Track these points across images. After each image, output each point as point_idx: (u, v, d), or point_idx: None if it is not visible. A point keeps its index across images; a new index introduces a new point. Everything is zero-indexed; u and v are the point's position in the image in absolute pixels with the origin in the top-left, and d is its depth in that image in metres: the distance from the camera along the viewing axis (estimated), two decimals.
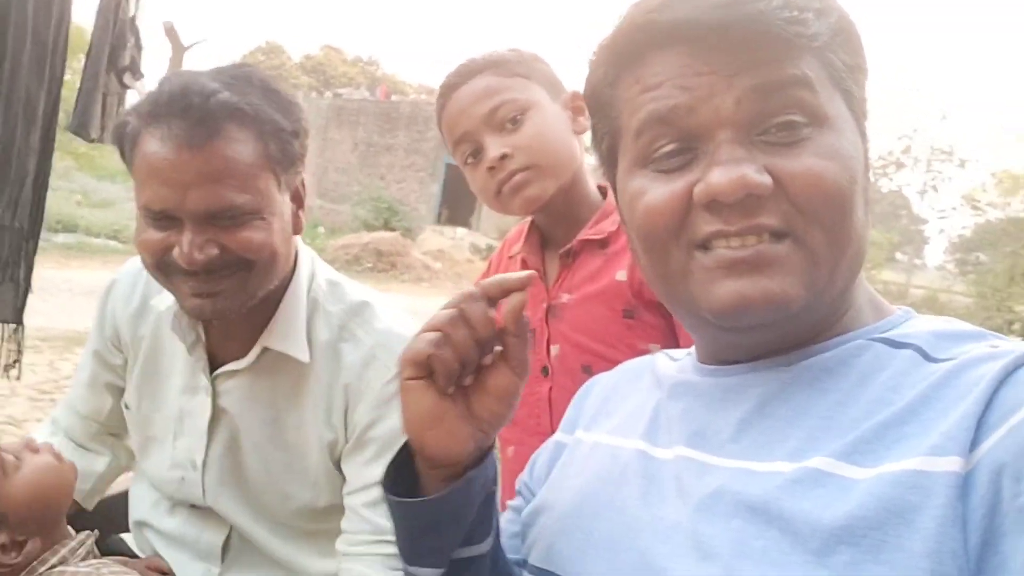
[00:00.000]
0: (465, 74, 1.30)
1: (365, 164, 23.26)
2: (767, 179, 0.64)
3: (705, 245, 0.67)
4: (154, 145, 1.03)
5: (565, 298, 1.33)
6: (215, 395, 1.23)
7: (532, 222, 1.43)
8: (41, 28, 2.41)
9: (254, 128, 1.06)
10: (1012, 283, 22.55)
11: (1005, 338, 0.66)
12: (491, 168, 1.27)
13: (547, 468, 0.91)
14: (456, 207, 21.51)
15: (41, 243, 2.76)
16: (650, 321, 1.25)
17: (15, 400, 4.64)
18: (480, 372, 0.72)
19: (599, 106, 0.77)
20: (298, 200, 1.17)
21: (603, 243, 1.31)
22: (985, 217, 30.21)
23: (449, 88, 1.32)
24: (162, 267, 1.08)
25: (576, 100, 1.33)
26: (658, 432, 0.78)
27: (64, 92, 2.67)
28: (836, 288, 0.69)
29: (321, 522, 1.24)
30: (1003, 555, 0.52)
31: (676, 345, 1.19)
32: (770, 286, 0.65)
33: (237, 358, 1.21)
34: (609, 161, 0.79)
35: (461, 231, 20.30)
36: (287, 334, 1.18)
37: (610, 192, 1.28)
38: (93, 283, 7.76)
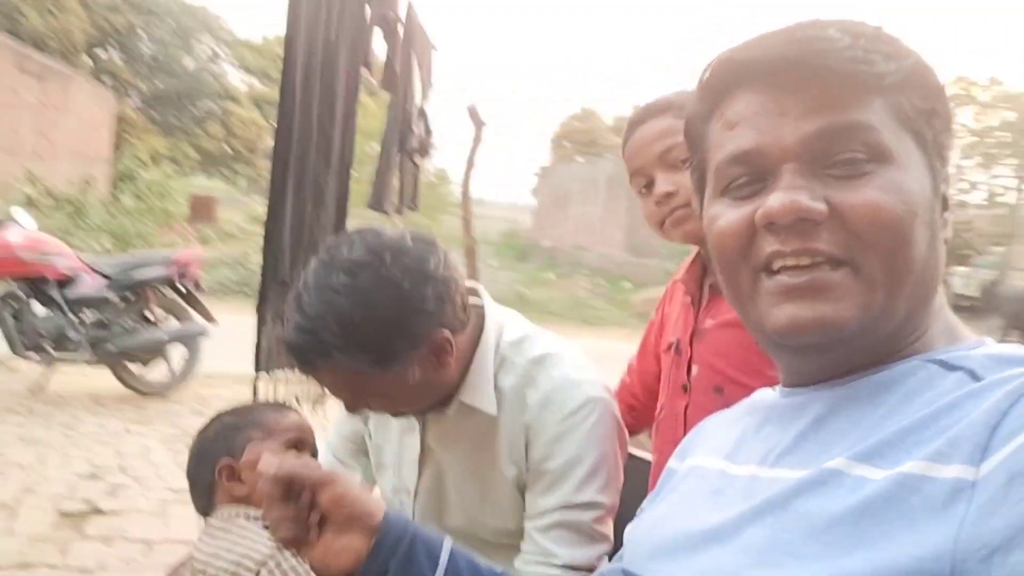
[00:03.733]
0: (649, 113, 1.44)
1: None
2: (820, 205, 0.69)
3: (768, 268, 0.73)
4: None
5: (708, 323, 1.45)
6: (423, 433, 1.46)
7: (697, 251, 1.55)
8: (326, 123, 2.90)
9: (343, 357, 1.17)
10: None
11: None
12: (658, 202, 1.42)
13: (657, 491, 0.99)
14: None
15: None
16: None
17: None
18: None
19: (693, 140, 0.85)
20: (439, 354, 1.26)
21: None
22: None
23: (633, 124, 1.46)
24: None
25: None
26: (739, 452, 0.84)
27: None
28: (897, 313, 0.72)
29: (514, 540, 1.40)
30: (990, 548, 0.54)
31: None
32: (824, 310, 0.70)
33: (445, 406, 1.41)
34: (699, 190, 0.86)
35: None
36: (477, 390, 1.36)
37: None
38: None
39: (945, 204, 0.76)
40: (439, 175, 26.55)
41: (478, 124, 6.50)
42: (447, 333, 1.25)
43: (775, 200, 0.70)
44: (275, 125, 2.88)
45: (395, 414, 1.37)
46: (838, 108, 0.70)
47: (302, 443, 1.45)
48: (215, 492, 1.40)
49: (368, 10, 3.17)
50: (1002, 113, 24.32)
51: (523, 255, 23.24)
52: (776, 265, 0.72)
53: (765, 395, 0.92)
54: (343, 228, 3.05)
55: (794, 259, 0.71)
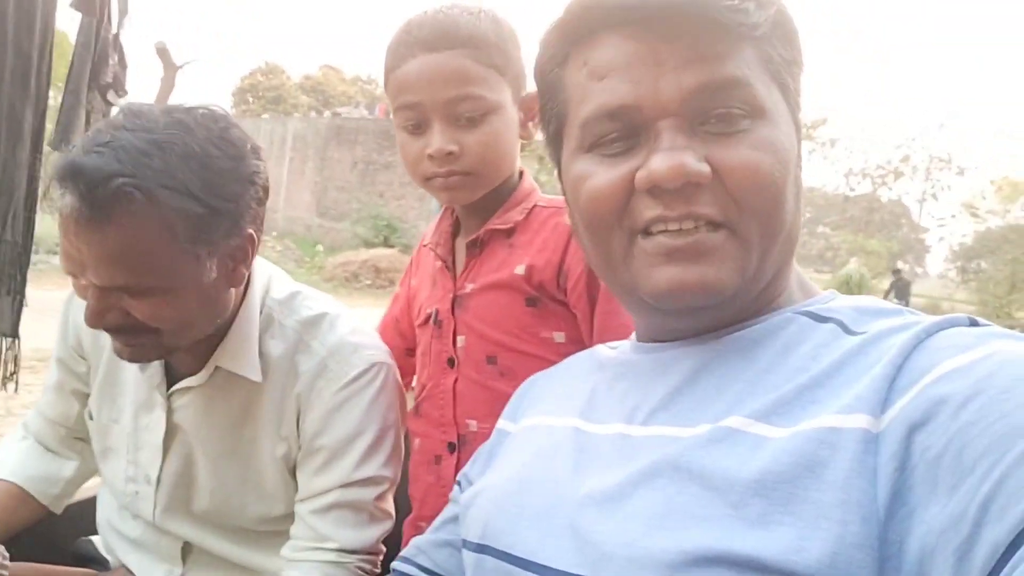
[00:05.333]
0: (441, 39, 1.19)
1: (364, 182, 23.33)
2: (705, 167, 0.67)
3: (646, 231, 0.70)
4: (63, 212, 1.01)
5: (469, 288, 1.30)
6: (170, 411, 1.23)
7: (447, 209, 1.41)
8: (23, 41, 2.41)
9: (152, 213, 0.99)
10: (1013, 290, 22.56)
11: (921, 314, 0.69)
12: (434, 156, 1.21)
13: (488, 456, 0.93)
14: None
15: (40, 264, 2.87)
16: (554, 309, 1.23)
17: (10, 420, 4.63)
18: None
19: (547, 87, 0.79)
20: (236, 259, 1.12)
21: (509, 232, 1.27)
22: (985, 225, 30.49)
23: (417, 45, 1.20)
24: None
25: (533, 104, 1.25)
26: (594, 410, 0.80)
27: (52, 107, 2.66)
28: (767, 272, 0.72)
29: (279, 525, 1.25)
30: (911, 506, 0.54)
31: (579, 333, 1.21)
32: (707, 273, 0.69)
33: (192, 374, 1.21)
34: (555, 143, 0.81)
35: None
36: (238, 354, 1.19)
37: (525, 178, 1.32)
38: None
39: (799, 155, 0.76)
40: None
41: (169, 66, 5.87)
42: (253, 234, 1.11)
43: (661, 162, 0.67)
44: None
45: (133, 346, 1.09)
46: (716, 60, 0.68)
47: None
48: None
49: None
50: None
51: None
52: (656, 228, 0.70)
53: (609, 351, 0.90)
54: (37, 172, 2.59)
55: (677, 224, 0.69)
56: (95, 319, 1.03)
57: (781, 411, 0.63)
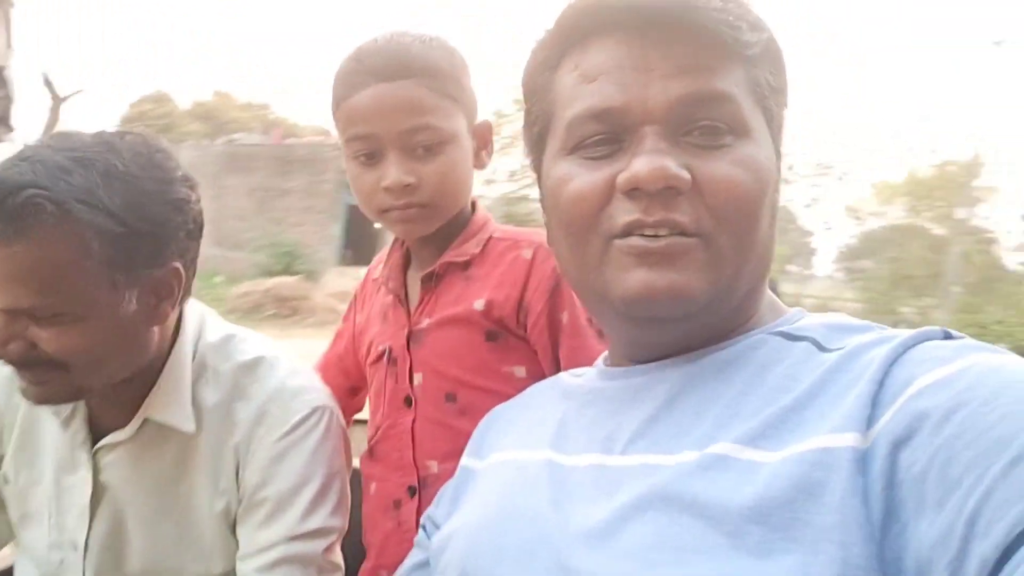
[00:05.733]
0: (395, 69, 1.16)
1: (262, 209, 22.80)
2: (686, 174, 0.68)
3: (623, 235, 0.71)
4: None
5: (426, 323, 1.26)
6: (96, 470, 1.16)
7: (397, 241, 1.36)
8: None
9: (70, 231, 0.95)
10: (895, 287, 23.78)
11: (888, 328, 0.71)
12: (390, 189, 1.19)
13: (454, 495, 0.91)
14: (359, 247, 21.24)
15: None
16: (514, 344, 1.22)
17: None
18: None
19: (535, 90, 0.80)
20: (161, 291, 1.07)
21: (465, 265, 1.26)
22: (867, 226, 31.88)
23: (370, 74, 1.16)
24: None
25: (486, 132, 1.29)
26: (566, 441, 0.79)
27: None
28: (740, 290, 0.73)
29: None
30: (903, 522, 0.54)
31: (540, 368, 1.20)
32: (677, 279, 0.69)
33: (119, 427, 1.15)
34: (538, 147, 0.82)
35: (365, 271, 19.97)
36: (169, 404, 1.13)
37: (478, 208, 1.30)
38: None
39: (778, 179, 0.78)
40: None
41: (55, 98, 5.97)
42: (181, 269, 1.07)
43: (643, 164, 0.68)
44: None
45: (40, 385, 1.02)
46: (705, 72, 0.69)
47: None
48: None
49: None
50: None
51: None
52: (633, 232, 0.70)
53: (574, 379, 0.89)
54: None
55: (653, 229, 0.69)
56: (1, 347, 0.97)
57: (769, 434, 0.63)
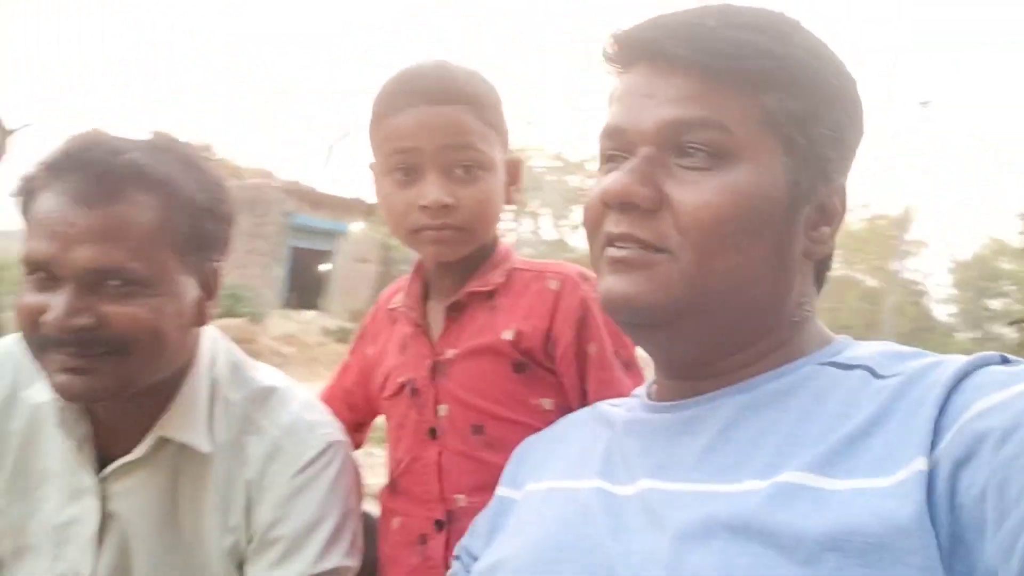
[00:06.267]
0: (443, 93, 1.18)
1: None
2: (647, 191, 0.74)
3: (605, 244, 0.78)
4: (49, 199, 0.98)
5: (451, 353, 1.24)
6: (105, 498, 1.08)
7: (418, 269, 1.34)
8: None
9: (162, 195, 1.01)
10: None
11: (939, 355, 0.72)
12: (427, 208, 1.17)
13: (492, 525, 0.90)
14: (304, 290, 20.90)
15: None
16: (541, 376, 1.20)
17: None
18: None
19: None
20: (208, 289, 1.08)
21: (490, 294, 1.24)
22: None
23: (417, 95, 1.17)
24: (35, 336, 0.96)
25: (517, 168, 1.28)
26: (615, 469, 0.80)
27: None
28: (733, 308, 0.76)
29: None
30: (968, 544, 0.56)
31: (568, 399, 1.19)
32: (629, 288, 0.75)
33: (128, 453, 1.07)
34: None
35: (310, 314, 19.64)
36: (186, 422, 1.08)
37: (501, 240, 1.30)
38: None
39: (825, 215, 0.78)
40: None
41: (2, 131, 6.06)
42: (219, 271, 1.11)
43: (610, 181, 0.76)
44: None
45: (90, 373, 0.97)
46: (695, 100, 0.74)
47: None
48: None
49: None
50: None
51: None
52: (612, 243, 0.77)
53: (613, 409, 0.91)
54: None
55: (620, 241, 0.76)
56: (67, 317, 0.95)
57: (835, 461, 0.65)
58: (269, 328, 18.22)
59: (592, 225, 0.80)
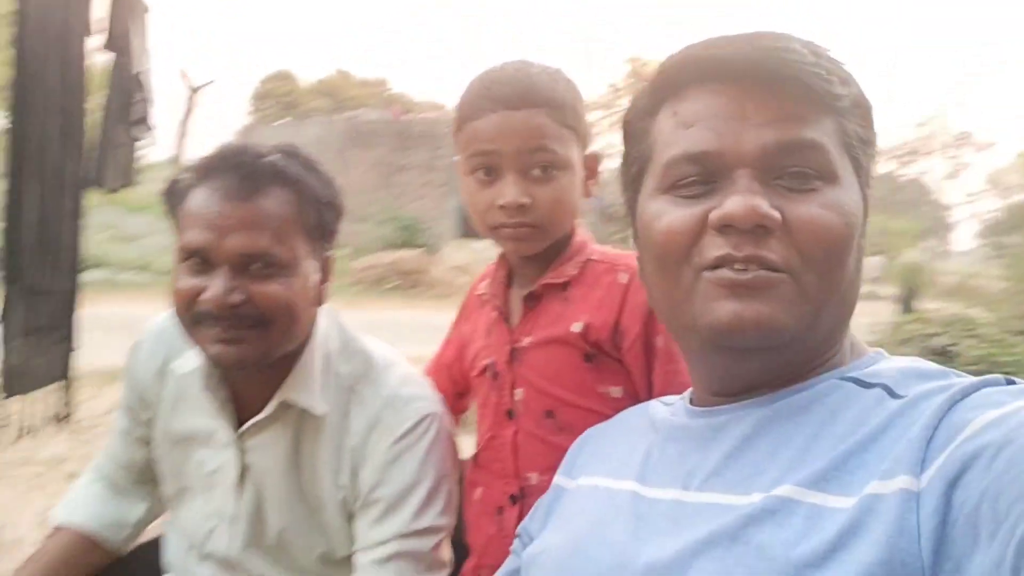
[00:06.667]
0: (521, 98, 1.22)
1: (383, 183, 23.22)
2: (776, 214, 0.71)
3: (713, 268, 0.74)
4: (202, 196, 1.14)
5: (527, 341, 1.31)
6: (242, 451, 1.27)
7: (502, 258, 1.41)
8: (68, 102, 2.57)
9: (295, 191, 1.17)
10: None
11: (965, 375, 0.71)
12: (505, 207, 1.23)
13: (547, 511, 0.96)
14: None
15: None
16: (610, 365, 1.25)
17: (58, 438, 4.36)
18: None
19: (635, 133, 0.85)
20: (325, 274, 1.25)
21: (564, 286, 1.29)
22: (1013, 199, 30.34)
23: (498, 101, 1.23)
24: (192, 313, 1.13)
25: (595, 163, 1.32)
26: (650, 473, 0.82)
27: None
28: (823, 328, 0.76)
29: (338, 570, 1.29)
30: (955, 559, 0.57)
31: (636, 389, 1.22)
32: (763, 310, 0.71)
33: (258, 414, 1.25)
34: (634, 186, 0.85)
35: (482, 244, 19.11)
36: (303, 387, 1.23)
37: (579, 232, 1.34)
38: (122, 319, 7.70)
39: (864, 224, 0.79)
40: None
41: (191, 89, 5.51)
42: (333, 258, 1.28)
43: (737, 203, 0.71)
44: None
45: (239, 343, 1.13)
46: (797, 122, 0.73)
47: None
48: None
49: None
50: None
51: None
52: (722, 265, 0.73)
53: (662, 411, 0.92)
54: (81, 218, 2.81)
55: (743, 264, 0.72)
56: (224, 295, 1.10)
57: (831, 477, 0.66)
58: (443, 258, 19.05)
59: (680, 250, 0.76)
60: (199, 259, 1.13)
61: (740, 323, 0.72)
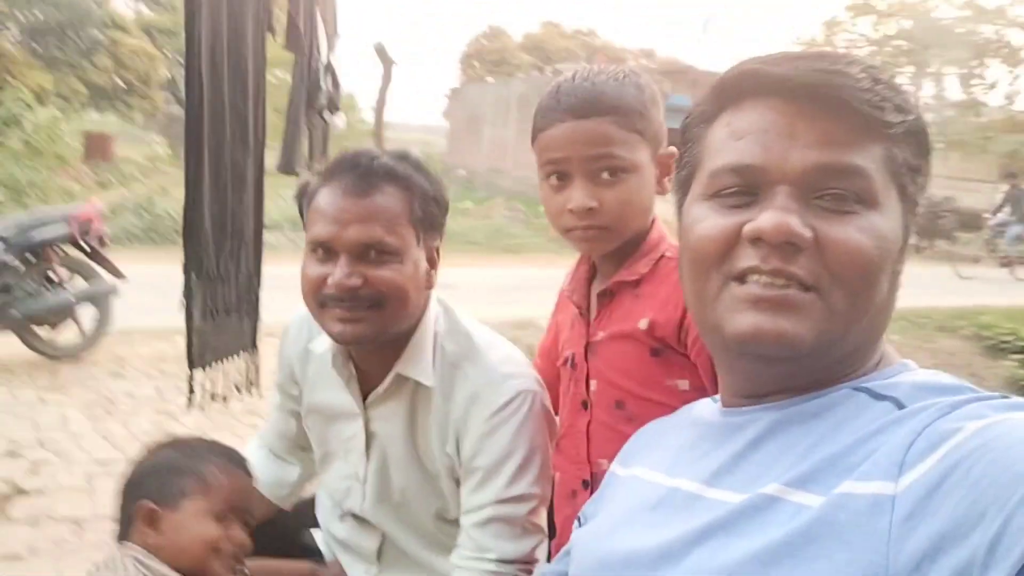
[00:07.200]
0: (587, 107, 1.29)
1: None
2: (807, 232, 0.73)
3: (741, 278, 0.77)
4: (326, 194, 1.31)
5: (600, 335, 1.39)
6: (367, 421, 1.46)
7: (583, 257, 1.49)
8: (239, 103, 2.77)
9: (404, 188, 1.32)
10: None
11: (981, 391, 0.71)
12: (574, 211, 1.31)
13: (600, 497, 1.03)
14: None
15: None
16: (677, 359, 1.30)
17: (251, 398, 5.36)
18: None
19: (691, 138, 0.88)
20: (432, 262, 1.38)
21: (636, 283, 1.36)
22: None
23: (566, 111, 1.30)
24: (318, 297, 1.31)
25: (669, 160, 1.36)
26: (676, 466, 0.88)
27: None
28: (849, 344, 0.77)
29: (452, 530, 1.44)
30: (932, 557, 0.58)
31: (703, 381, 1.25)
32: (785, 326, 0.74)
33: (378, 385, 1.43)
34: (683, 189, 0.89)
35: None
36: (415, 362, 1.39)
37: (655, 227, 1.39)
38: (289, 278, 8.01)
39: (906, 254, 0.80)
40: (347, 102, 25.92)
41: (387, 63, 6.19)
42: (439, 249, 1.42)
43: (769, 219, 0.74)
44: (183, 94, 2.71)
45: (357, 321, 1.30)
46: (844, 146, 0.74)
47: (238, 509, 1.38)
48: (131, 528, 1.34)
49: None
50: (899, 21, 24.12)
51: None
52: (749, 278, 0.76)
53: (707, 408, 0.95)
54: (262, 210, 3.07)
55: (769, 277, 0.75)
56: (345, 279, 1.27)
57: (817, 477, 0.69)
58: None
59: (713, 256, 0.79)
60: (324, 250, 1.31)
61: (761, 335, 0.75)
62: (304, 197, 1.37)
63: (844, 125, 0.75)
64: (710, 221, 0.80)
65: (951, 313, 8.80)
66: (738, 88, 0.81)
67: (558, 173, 1.33)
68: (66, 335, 5.65)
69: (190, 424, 4.29)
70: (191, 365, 2.85)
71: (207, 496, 1.35)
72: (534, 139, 1.37)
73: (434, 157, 26.94)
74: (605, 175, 1.30)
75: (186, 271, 2.74)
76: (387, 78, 6.46)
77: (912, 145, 0.78)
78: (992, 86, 22.51)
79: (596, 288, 1.44)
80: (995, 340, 8.26)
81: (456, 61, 44.90)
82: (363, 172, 1.29)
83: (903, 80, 23.74)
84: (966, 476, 0.59)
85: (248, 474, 1.45)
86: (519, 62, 38.94)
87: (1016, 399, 0.68)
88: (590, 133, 1.29)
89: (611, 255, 1.39)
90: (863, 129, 0.75)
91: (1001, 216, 14.68)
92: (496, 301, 7.72)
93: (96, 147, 19.16)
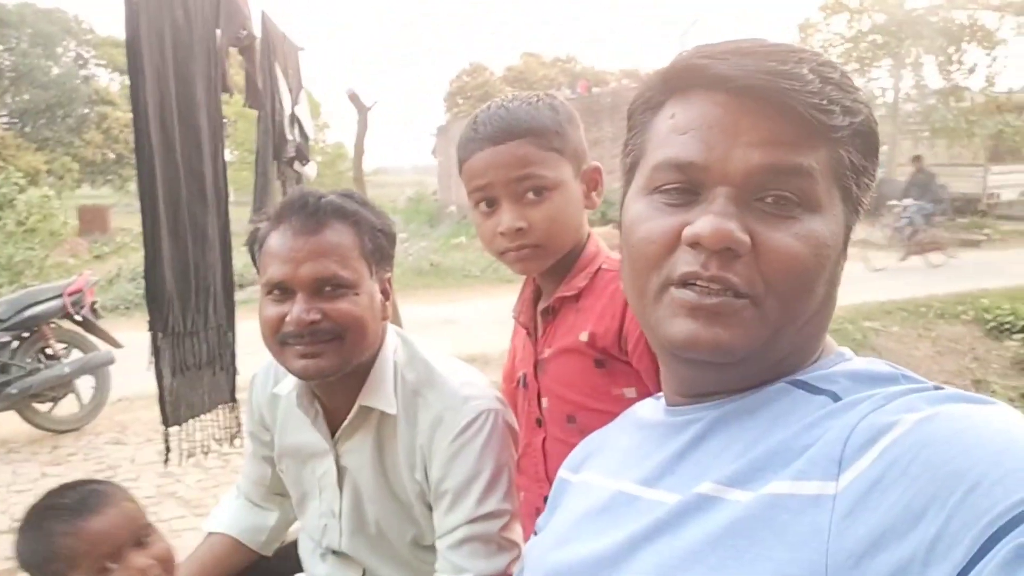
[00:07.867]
0: (503, 134, 1.32)
1: None
2: (746, 239, 0.72)
3: (680, 283, 0.75)
4: (277, 237, 1.34)
5: (547, 352, 1.42)
6: (337, 456, 1.48)
7: (529, 278, 1.51)
8: (194, 162, 2.81)
9: (353, 223, 1.35)
10: None
11: (918, 377, 0.72)
12: (505, 233, 1.33)
13: (552, 504, 1.02)
14: None
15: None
16: (621, 368, 1.31)
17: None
18: None
19: (637, 124, 0.85)
20: (385, 293, 1.42)
21: (576, 297, 1.37)
22: None
23: (483, 140, 1.34)
24: (278, 336, 1.33)
25: (595, 175, 1.40)
26: (622, 469, 0.86)
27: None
28: (785, 346, 0.77)
29: (429, 556, 1.45)
30: (871, 555, 0.58)
31: (648, 389, 1.26)
32: (720, 334, 0.73)
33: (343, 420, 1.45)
34: (627, 177, 0.87)
35: None
36: (378, 392, 1.41)
37: (591, 240, 1.41)
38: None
39: (843, 252, 0.79)
40: (336, 150, 26.75)
41: (361, 109, 6.30)
42: (391, 279, 1.45)
43: (707, 224, 0.72)
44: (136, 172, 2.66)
45: (318, 356, 1.32)
46: (787, 147, 0.73)
47: (113, 545, 1.27)
48: None
49: (219, 34, 3.02)
50: (872, 16, 24.39)
51: (433, 220, 22.89)
52: (688, 283, 0.75)
53: (650, 407, 0.94)
54: (230, 263, 3.09)
55: (706, 284, 0.73)
56: (304, 314, 1.29)
57: (751, 475, 0.68)
58: None
59: (653, 259, 0.78)
60: (280, 290, 1.33)
61: (697, 343, 0.75)
62: (255, 243, 1.39)
63: (789, 126, 0.73)
64: (652, 222, 0.78)
65: (951, 299, 8.88)
66: (685, 79, 0.79)
67: (486, 199, 1.36)
68: (65, 408, 5.70)
69: (191, 483, 4.34)
70: (166, 423, 2.85)
71: (77, 568, 1.27)
72: (460, 170, 1.40)
73: (427, 197, 27.32)
74: (530, 195, 1.32)
75: (152, 329, 2.75)
76: (363, 124, 6.68)
77: (859, 146, 0.77)
78: (971, 70, 22.48)
79: (540, 307, 1.46)
80: (996, 322, 8.35)
81: (441, 99, 46.06)
82: (311, 211, 1.32)
83: (881, 74, 24.09)
84: (904, 472, 0.59)
85: (105, 500, 1.32)
86: (502, 94, 38.34)
87: (950, 390, 0.68)
88: (509, 156, 1.32)
89: (551, 273, 1.41)
90: (808, 132, 0.73)
91: (907, 201, 14.16)
92: (500, 332, 7.68)
93: (92, 220, 19.48)
